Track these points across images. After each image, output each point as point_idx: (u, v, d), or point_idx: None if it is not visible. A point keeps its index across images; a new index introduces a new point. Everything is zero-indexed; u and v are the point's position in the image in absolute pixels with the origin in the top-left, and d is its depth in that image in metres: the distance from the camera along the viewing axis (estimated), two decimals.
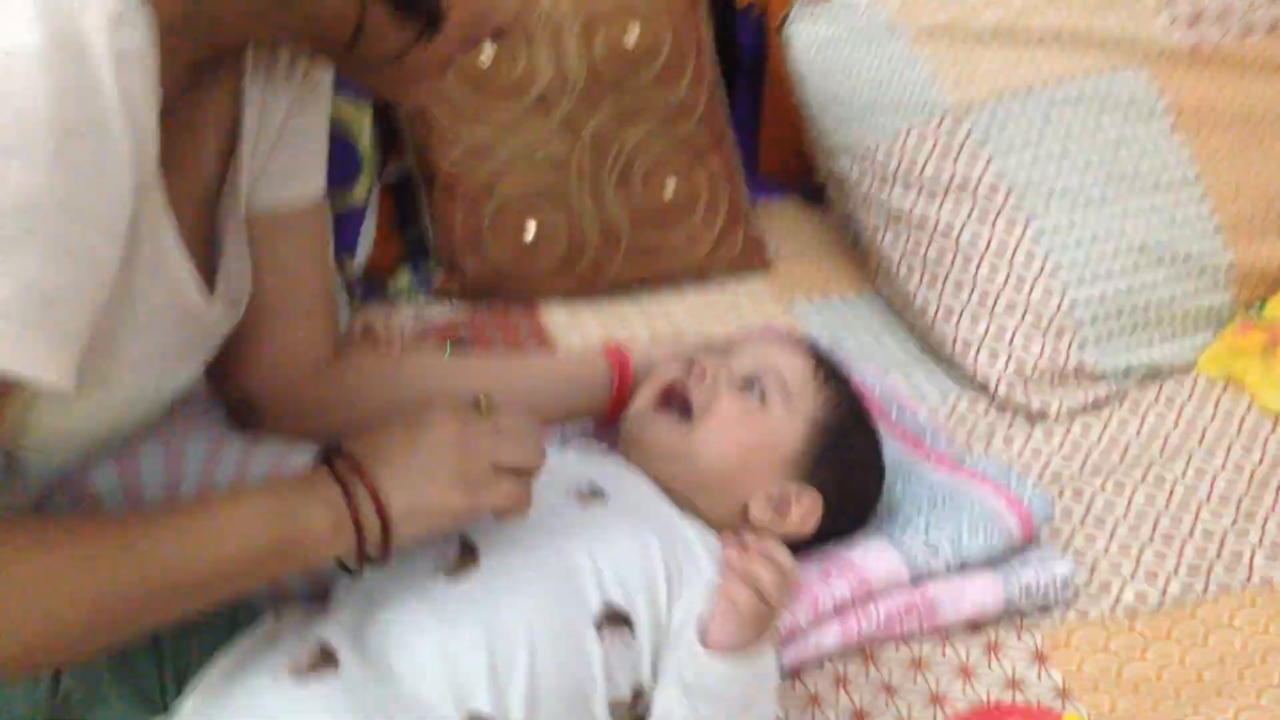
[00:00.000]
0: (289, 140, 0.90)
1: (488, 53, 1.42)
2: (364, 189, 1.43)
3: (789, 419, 1.00)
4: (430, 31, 0.71)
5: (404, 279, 1.49)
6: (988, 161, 1.39)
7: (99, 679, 0.84)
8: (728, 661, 0.84)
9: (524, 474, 0.82)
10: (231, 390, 0.97)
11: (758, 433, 0.99)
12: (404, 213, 1.54)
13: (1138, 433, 1.29)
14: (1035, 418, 1.31)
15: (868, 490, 1.07)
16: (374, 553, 0.78)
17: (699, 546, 0.92)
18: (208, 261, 0.83)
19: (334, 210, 1.35)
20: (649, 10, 1.50)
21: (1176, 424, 1.30)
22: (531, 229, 1.44)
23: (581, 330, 1.43)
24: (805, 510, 0.99)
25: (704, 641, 0.85)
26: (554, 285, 1.47)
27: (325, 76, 0.91)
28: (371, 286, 1.47)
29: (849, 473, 1.04)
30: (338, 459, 0.78)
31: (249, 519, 0.74)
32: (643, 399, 1.03)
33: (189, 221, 0.76)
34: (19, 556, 0.65)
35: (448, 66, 0.77)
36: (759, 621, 0.85)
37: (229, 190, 0.86)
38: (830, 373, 1.05)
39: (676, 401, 1.01)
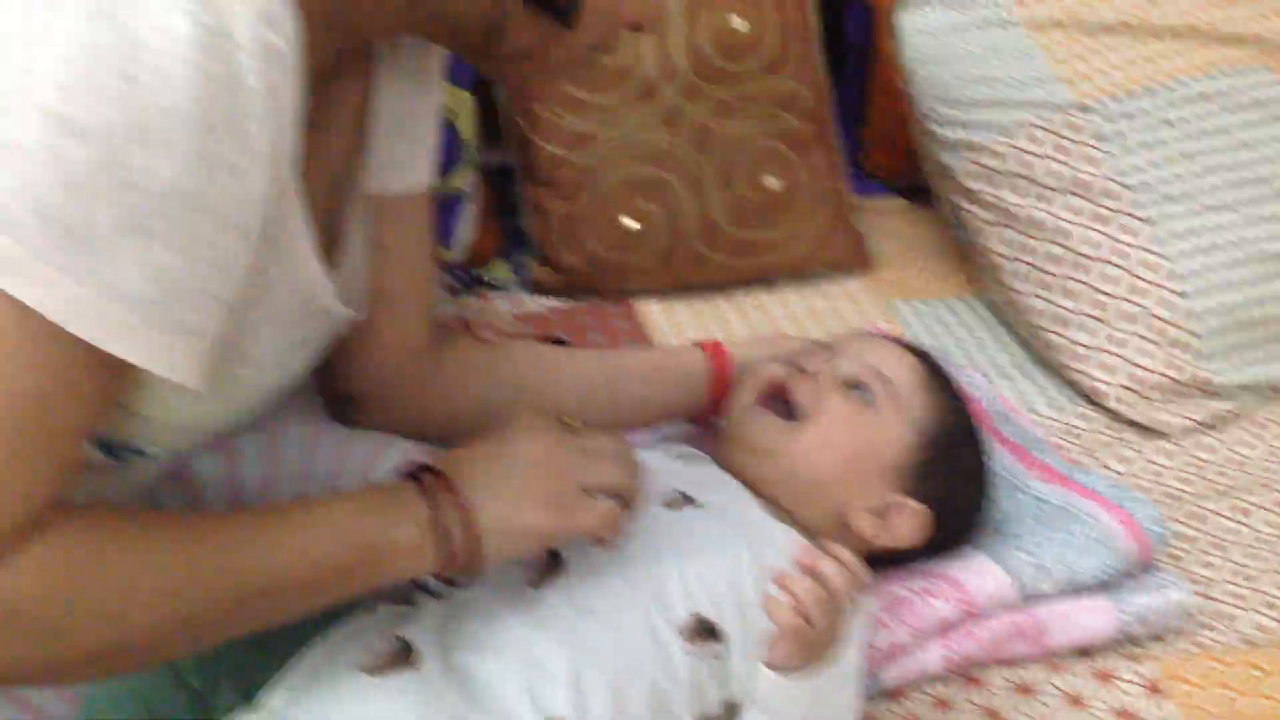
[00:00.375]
0: (403, 126, 0.89)
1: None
2: (464, 177, 1.42)
3: (896, 425, 0.97)
4: (565, 26, 0.70)
5: (501, 270, 1.48)
6: (1107, 161, 1.34)
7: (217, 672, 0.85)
8: (787, 679, 0.81)
9: (616, 496, 0.80)
10: (330, 380, 0.96)
11: (864, 438, 0.96)
12: (503, 203, 1.53)
13: (1263, 454, 1.23)
14: (1151, 434, 1.26)
15: (975, 504, 1.03)
16: (460, 572, 0.76)
17: (789, 545, 0.89)
18: (328, 255, 0.82)
19: (434, 197, 1.34)
20: None
21: None
22: (630, 222, 1.42)
23: (678, 327, 1.41)
24: (909, 523, 0.96)
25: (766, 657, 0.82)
26: (651, 280, 1.45)
27: (439, 61, 0.90)
28: (468, 276, 1.46)
29: (956, 485, 1.00)
30: (427, 474, 0.77)
31: (337, 530, 0.73)
32: (745, 397, 1.00)
33: (316, 216, 0.75)
34: (122, 548, 0.65)
35: (584, 62, 0.76)
36: (803, 642, 0.82)
37: (354, 183, 0.85)
38: (939, 379, 1.02)
39: (780, 401, 0.98)
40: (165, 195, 0.55)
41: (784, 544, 0.91)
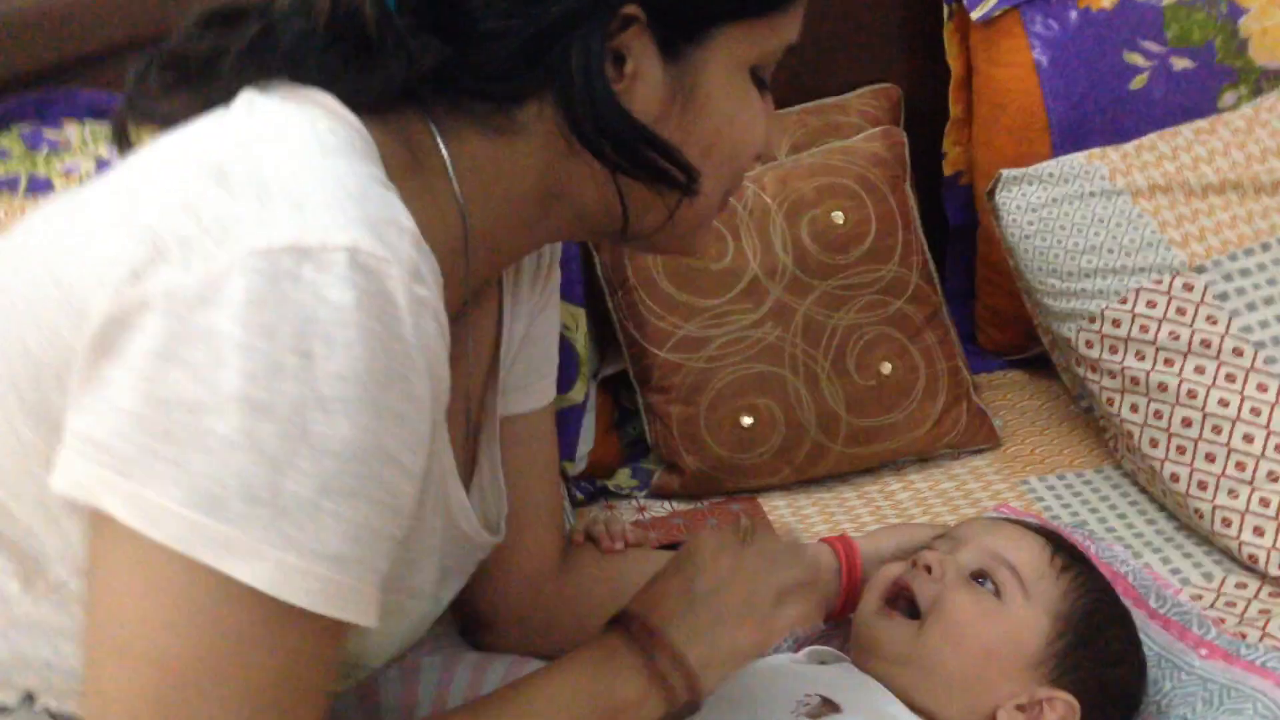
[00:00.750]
0: (529, 349, 0.93)
1: None
2: (581, 389, 1.45)
3: (1029, 613, 0.94)
4: (689, 194, 0.74)
5: (624, 477, 1.50)
6: (1229, 320, 1.31)
7: None
8: None
9: (803, 590, 0.84)
10: (464, 602, 0.97)
11: (995, 631, 0.93)
12: (621, 409, 1.56)
13: None
14: None
15: (1129, 688, 0.98)
16: (684, 707, 0.81)
17: None
18: (466, 483, 0.85)
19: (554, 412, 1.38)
20: (853, 191, 1.50)
21: None
22: (748, 420, 1.43)
23: (804, 520, 1.40)
24: (1063, 715, 0.92)
25: None
26: (773, 475, 1.44)
27: (556, 280, 0.94)
28: (592, 487, 1.47)
29: (1105, 670, 0.95)
30: (631, 624, 0.81)
31: (568, 702, 0.78)
32: (869, 600, 0.99)
33: (455, 445, 0.78)
34: None
35: (723, 206, 0.80)
36: None
37: (488, 410, 0.89)
38: (1070, 558, 0.98)
39: (903, 600, 0.96)
40: (350, 455, 0.59)
41: None
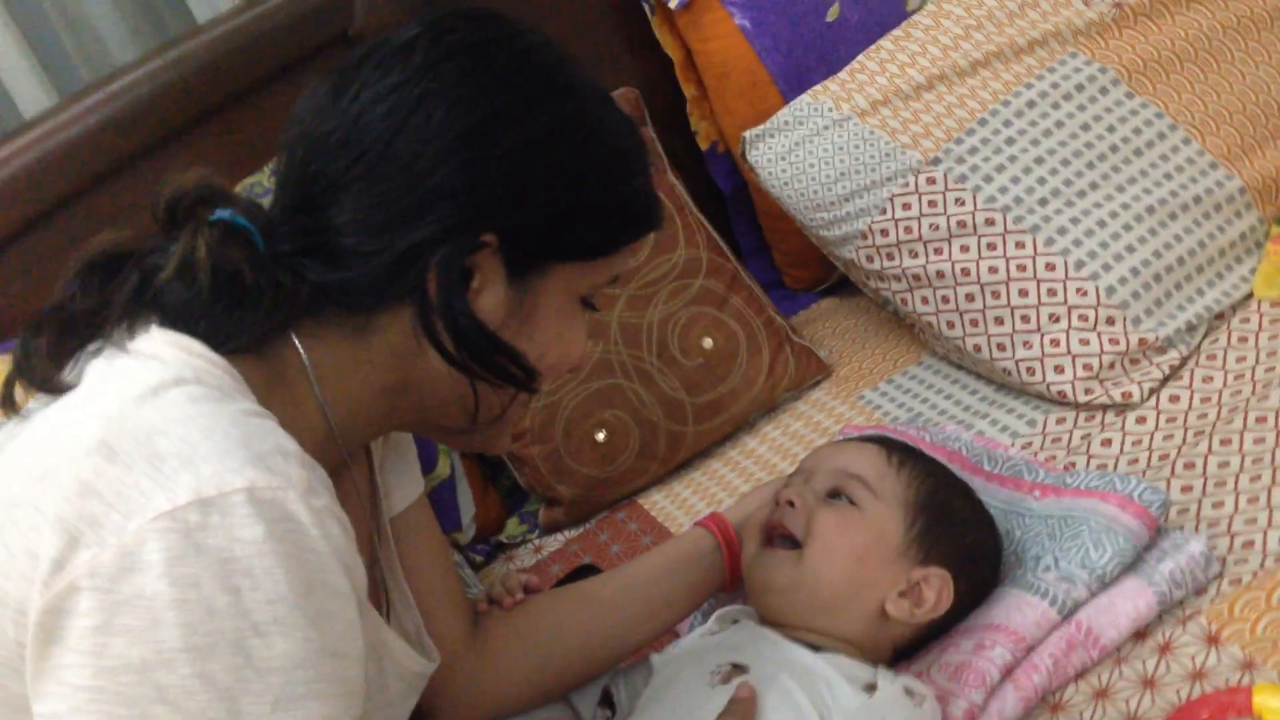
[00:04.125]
0: (391, 455, 1.00)
1: None
2: (445, 463, 1.52)
3: (884, 510, 1.04)
4: (530, 391, 0.85)
5: (513, 525, 1.57)
6: (974, 196, 1.44)
7: None
8: None
9: None
10: None
11: (861, 535, 1.03)
12: (489, 465, 1.63)
13: (1224, 382, 1.29)
14: (1123, 408, 1.32)
15: (987, 545, 1.09)
16: None
17: (841, 683, 0.95)
18: (386, 617, 0.93)
19: (427, 494, 1.45)
20: None
21: (1257, 358, 1.30)
22: (602, 435, 1.52)
23: (685, 506, 1.49)
24: (938, 589, 1.02)
25: None
26: (643, 475, 1.54)
27: None
28: (488, 545, 1.55)
29: (962, 536, 1.06)
30: None
31: None
32: (749, 546, 1.08)
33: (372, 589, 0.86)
34: None
35: (526, 408, 0.90)
36: None
37: (382, 539, 0.96)
38: (904, 454, 1.09)
39: (779, 536, 1.06)
40: (295, 665, 0.66)
41: (828, 674, 0.98)
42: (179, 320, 0.76)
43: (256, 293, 0.77)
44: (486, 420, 0.86)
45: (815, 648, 1.01)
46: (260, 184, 1.49)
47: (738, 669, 0.99)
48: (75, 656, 0.65)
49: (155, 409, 0.70)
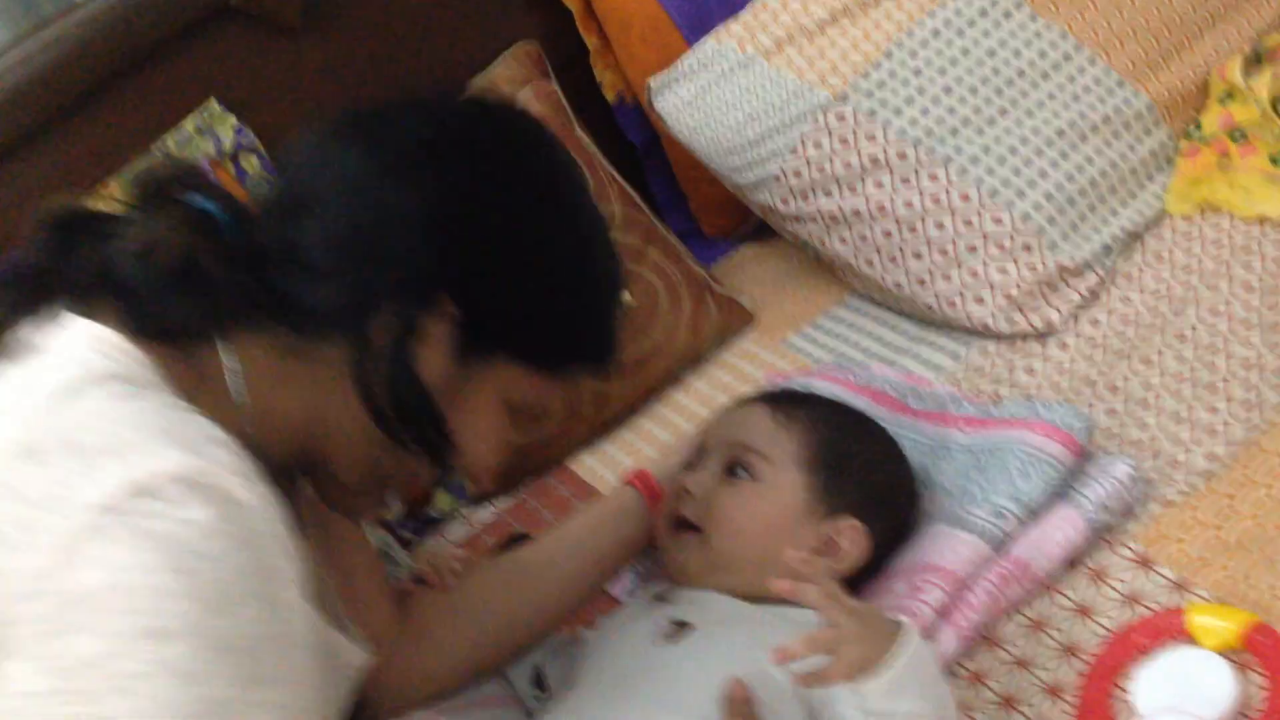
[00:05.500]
0: None
1: None
2: None
3: (781, 474, 1.02)
4: (442, 466, 0.83)
5: (442, 500, 1.54)
6: (884, 130, 1.42)
7: None
8: (872, 681, 0.84)
9: None
10: None
11: (763, 507, 1.02)
12: None
13: (1141, 302, 1.29)
14: (1044, 336, 1.32)
15: (897, 482, 1.08)
16: None
17: (786, 628, 0.94)
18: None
19: None
20: None
21: (1173, 275, 1.30)
22: None
23: (616, 466, 1.47)
24: (852, 539, 1.01)
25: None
26: (571, 440, 1.51)
27: None
28: (418, 523, 1.51)
29: (867, 480, 1.05)
30: None
31: None
32: (660, 532, 1.07)
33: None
34: None
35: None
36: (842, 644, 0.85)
37: (309, 534, 0.93)
38: (790, 408, 1.07)
39: (685, 522, 1.04)
40: (255, 644, 0.64)
41: (769, 620, 0.96)
42: (121, 294, 0.74)
43: (206, 284, 0.75)
44: (375, 480, 0.84)
45: (753, 601, 1.00)
46: (166, 143, 1.43)
47: (681, 625, 0.98)
48: (29, 664, 0.62)
49: (74, 408, 0.68)
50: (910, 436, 1.14)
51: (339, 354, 0.78)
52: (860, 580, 1.03)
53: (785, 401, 1.08)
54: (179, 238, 0.76)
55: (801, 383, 1.27)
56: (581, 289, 0.85)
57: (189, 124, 1.43)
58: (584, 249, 0.86)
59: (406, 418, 0.79)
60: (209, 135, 1.43)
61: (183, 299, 0.75)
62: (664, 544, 1.05)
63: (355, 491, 0.85)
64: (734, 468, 1.03)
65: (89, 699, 0.61)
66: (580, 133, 1.64)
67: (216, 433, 0.69)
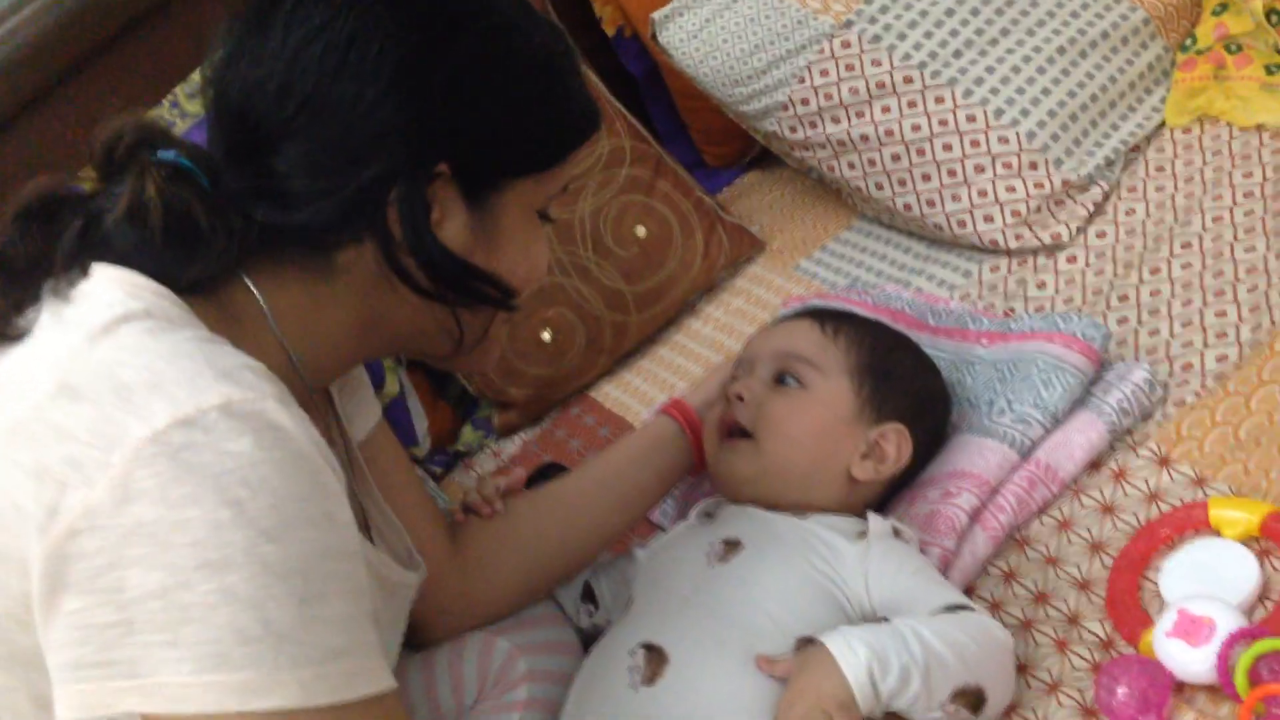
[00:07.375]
0: (348, 383, 1.00)
1: None
2: (393, 380, 1.52)
3: (830, 383, 1.07)
4: (509, 309, 0.86)
5: (469, 434, 1.58)
6: (889, 55, 1.45)
7: None
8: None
9: None
10: None
11: (813, 412, 1.06)
12: (435, 376, 1.63)
13: (1146, 213, 1.33)
14: (1053, 250, 1.36)
15: (934, 389, 1.13)
16: None
17: (836, 538, 0.99)
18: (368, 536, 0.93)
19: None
20: None
21: (1176, 185, 1.34)
22: (547, 334, 1.52)
23: (640, 395, 1.51)
24: (897, 443, 1.06)
25: None
26: (593, 369, 1.55)
27: None
28: (446, 456, 1.55)
29: (909, 388, 1.09)
30: None
31: None
32: (709, 443, 1.10)
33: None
34: None
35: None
36: None
37: (355, 467, 0.97)
38: (837, 322, 1.11)
39: (736, 429, 1.08)
40: (310, 565, 0.67)
41: (820, 533, 1.01)
42: (129, 263, 0.75)
43: (210, 233, 0.76)
44: (472, 343, 0.86)
45: (799, 514, 1.04)
46: (163, 117, 1.44)
47: (732, 545, 1.02)
48: (92, 598, 0.64)
49: (110, 346, 0.69)
50: (932, 352, 1.18)
51: (365, 256, 0.80)
52: (900, 486, 1.08)
53: (829, 316, 1.12)
54: (163, 194, 0.76)
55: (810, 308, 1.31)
56: (549, 80, 0.83)
57: (199, 75, 1.44)
58: (528, 43, 0.82)
59: (458, 288, 0.82)
60: None
61: (184, 253, 0.76)
62: (714, 454, 1.09)
63: (463, 351, 0.87)
64: (784, 376, 1.07)
65: (158, 628, 0.64)
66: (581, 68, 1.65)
67: (253, 362, 0.70)
